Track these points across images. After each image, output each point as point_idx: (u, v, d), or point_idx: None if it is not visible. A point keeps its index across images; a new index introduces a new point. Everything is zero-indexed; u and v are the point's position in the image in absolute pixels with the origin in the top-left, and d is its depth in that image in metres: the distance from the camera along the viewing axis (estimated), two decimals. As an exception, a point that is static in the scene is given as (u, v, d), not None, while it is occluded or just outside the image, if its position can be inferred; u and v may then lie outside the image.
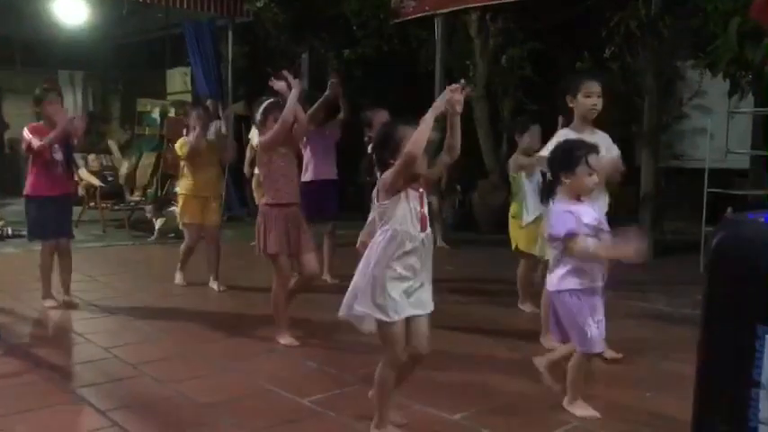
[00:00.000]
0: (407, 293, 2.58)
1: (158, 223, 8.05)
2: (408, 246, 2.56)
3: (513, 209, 4.78)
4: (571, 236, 2.89)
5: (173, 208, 8.07)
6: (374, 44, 9.45)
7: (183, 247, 5.70)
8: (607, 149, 3.64)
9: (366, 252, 2.65)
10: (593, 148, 3.02)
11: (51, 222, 4.84)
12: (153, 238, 7.95)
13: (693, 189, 7.12)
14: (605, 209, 3.66)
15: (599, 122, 3.90)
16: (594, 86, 3.73)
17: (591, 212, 2.98)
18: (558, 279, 2.99)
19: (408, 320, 2.62)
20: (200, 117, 5.58)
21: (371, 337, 2.70)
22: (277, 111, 4.08)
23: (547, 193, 3.09)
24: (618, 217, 3.95)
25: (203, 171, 5.60)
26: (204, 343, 4.13)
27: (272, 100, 4.22)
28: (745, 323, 1.38)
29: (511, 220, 4.77)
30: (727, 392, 1.42)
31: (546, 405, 3.12)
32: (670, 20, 7.27)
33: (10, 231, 7.56)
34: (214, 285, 5.58)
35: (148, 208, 8.66)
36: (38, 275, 4.92)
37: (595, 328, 2.93)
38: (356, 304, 2.59)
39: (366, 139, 4.42)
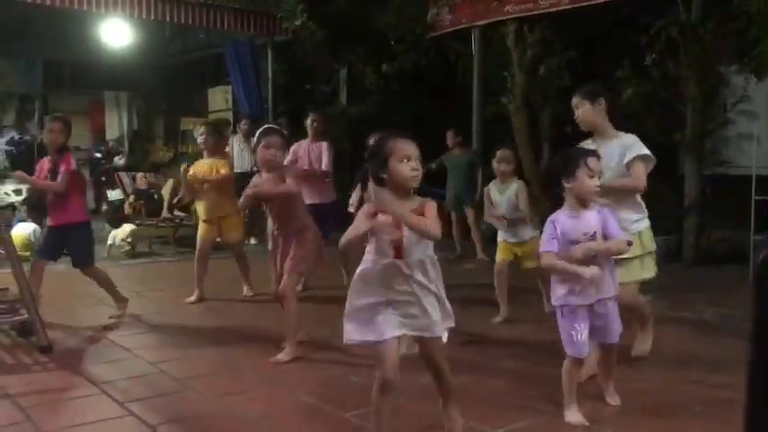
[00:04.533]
0: (397, 314, 2.56)
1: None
2: (378, 269, 2.56)
3: None
4: (543, 251, 3.01)
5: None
6: (412, 58, 9.50)
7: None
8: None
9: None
10: (593, 153, 3.10)
11: (43, 244, 5.07)
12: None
13: (740, 196, 6.95)
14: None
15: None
16: (577, 99, 3.73)
17: (580, 227, 3.00)
18: (554, 295, 3.10)
19: (418, 341, 2.66)
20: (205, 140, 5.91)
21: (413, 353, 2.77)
22: (270, 137, 4.18)
23: (553, 205, 3.13)
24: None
25: (212, 193, 5.74)
26: (248, 357, 4.18)
27: (267, 126, 4.34)
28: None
29: None
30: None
31: (589, 420, 3.08)
32: (712, 25, 7.13)
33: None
34: (250, 293, 5.93)
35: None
36: (88, 291, 5.07)
37: (583, 333, 3.00)
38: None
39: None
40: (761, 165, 6.92)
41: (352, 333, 2.61)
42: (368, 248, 2.61)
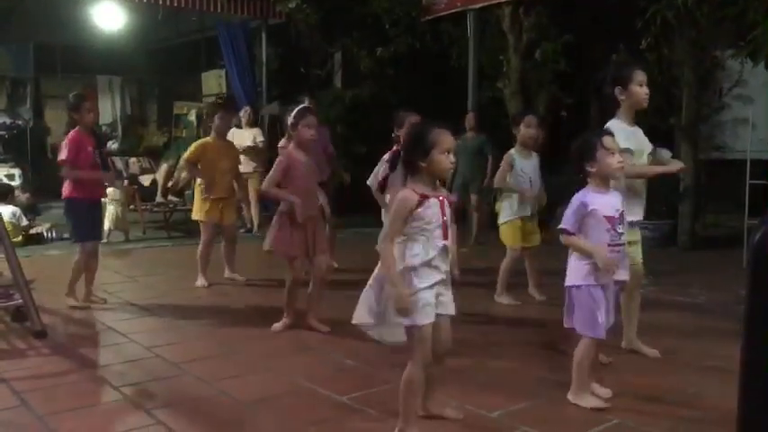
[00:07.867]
0: (435, 296, 2.64)
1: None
2: (432, 254, 2.61)
3: (496, 207, 5.29)
4: (564, 230, 3.03)
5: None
6: (406, 42, 9.45)
7: (200, 246, 5.76)
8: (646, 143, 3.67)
9: (385, 262, 2.63)
10: (605, 131, 3.12)
11: (92, 225, 4.99)
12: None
13: (735, 181, 6.97)
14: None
15: (637, 115, 3.82)
16: (644, 75, 3.66)
17: (612, 203, 3.04)
18: (570, 272, 3.08)
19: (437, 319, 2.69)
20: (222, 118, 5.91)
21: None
22: (308, 116, 4.17)
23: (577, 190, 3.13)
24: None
25: (216, 173, 5.67)
26: (243, 341, 4.18)
27: (303, 106, 4.29)
28: (791, 319, 1.35)
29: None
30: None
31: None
32: (708, 9, 7.11)
33: (54, 234, 7.77)
34: (232, 276, 5.89)
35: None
36: (82, 276, 5.04)
37: (603, 315, 3.00)
38: (389, 317, 2.68)
39: (393, 136, 4.45)
40: (756, 149, 6.93)
41: (419, 319, 2.62)
42: (414, 242, 2.66)
